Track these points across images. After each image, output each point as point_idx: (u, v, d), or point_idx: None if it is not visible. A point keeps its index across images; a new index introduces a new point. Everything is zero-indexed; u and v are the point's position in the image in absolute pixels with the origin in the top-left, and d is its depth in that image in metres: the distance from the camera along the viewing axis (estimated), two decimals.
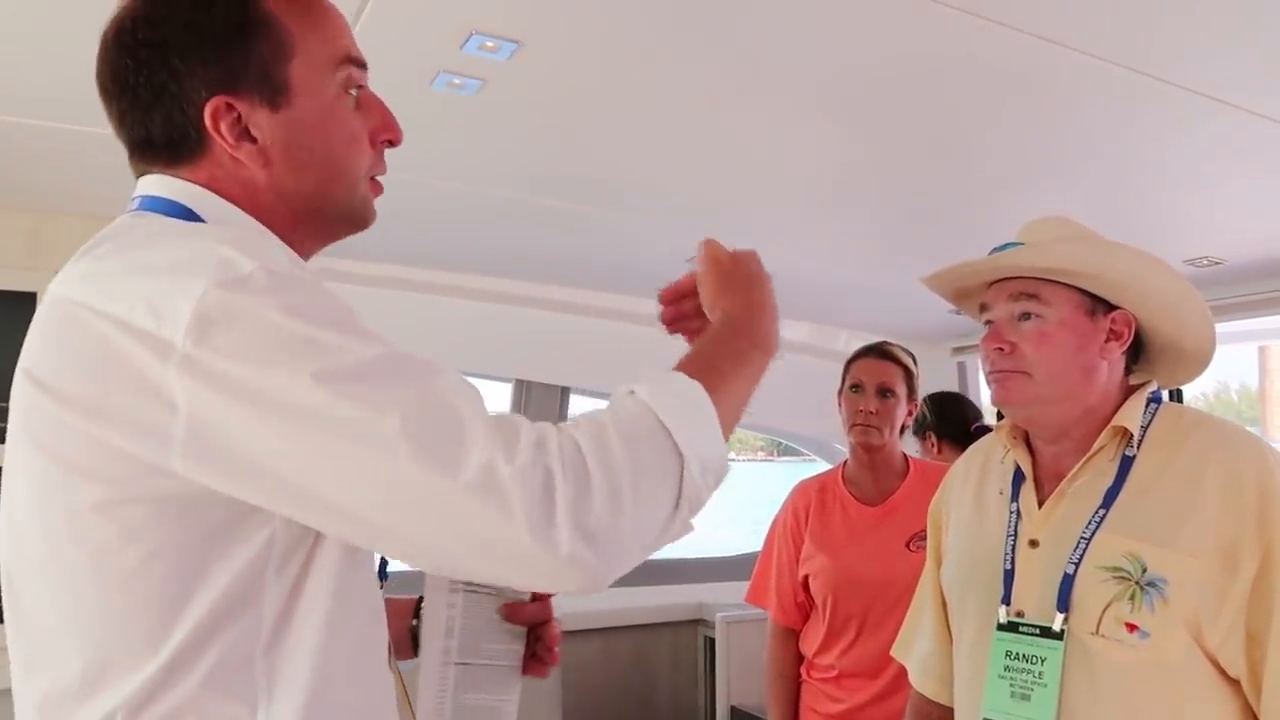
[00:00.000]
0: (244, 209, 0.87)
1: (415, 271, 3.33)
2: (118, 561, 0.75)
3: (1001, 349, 1.33)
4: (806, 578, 2.32)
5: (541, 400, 3.94)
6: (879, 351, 2.36)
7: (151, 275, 0.75)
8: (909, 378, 2.34)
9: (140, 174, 0.90)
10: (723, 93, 1.86)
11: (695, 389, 0.81)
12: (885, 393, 2.29)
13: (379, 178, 0.96)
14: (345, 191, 0.91)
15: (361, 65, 0.92)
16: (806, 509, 2.38)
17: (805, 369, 4.25)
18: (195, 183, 0.87)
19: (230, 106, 0.84)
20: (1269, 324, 3.42)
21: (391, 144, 0.95)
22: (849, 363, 2.39)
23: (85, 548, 0.76)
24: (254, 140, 0.86)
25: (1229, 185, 2.29)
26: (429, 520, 0.71)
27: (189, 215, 0.85)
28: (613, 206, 2.64)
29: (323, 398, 0.70)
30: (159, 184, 0.88)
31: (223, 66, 0.84)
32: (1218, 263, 2.88)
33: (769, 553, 2.46)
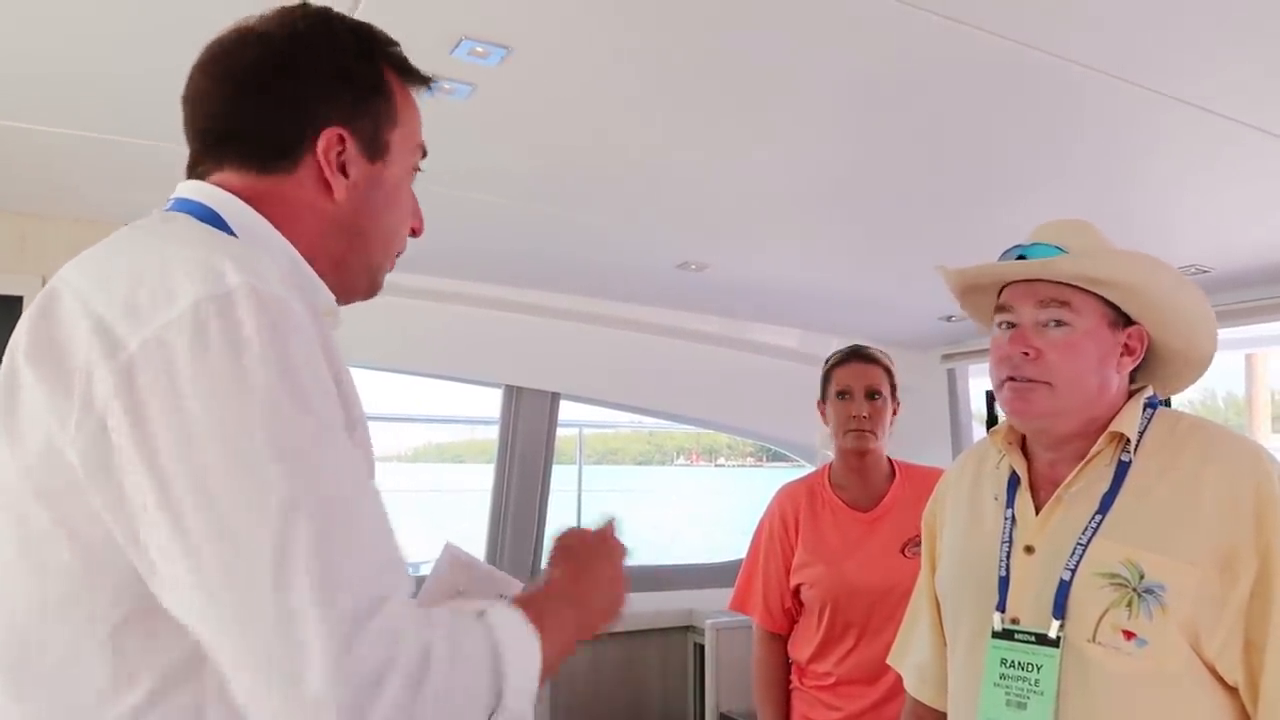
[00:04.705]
0: (301, 229, 0.92)
1: (404, 277, 3.30)
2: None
3: (1027, 354, 1.30)
4: (798, 586, 2.28)
5: (532, 406, 3.93)
6: (860, 355, 2.34)
7: (140, 272, 0.76)
8: (890, 378, 2.33)
9: (199, 168, 0.94)
10: (713, 100, 1.85)
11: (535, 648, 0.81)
12: (873, 394, 2.27)
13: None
14: (380, 255, 1.01)
15: (424, 157, 1.04)
16: (795, 514, 2.33)
17: (796, 376, 4.25)
18: (250, 191, 0.90)
19: (342, 140, 0.93)
20: (1256, 332, 3.44)
21: (415, 234, 1.05)
22: (829, 370, 2.35)
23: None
24: (347, 175, 0.94)
25: (1216, 193, 2.30)
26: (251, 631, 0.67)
27: (217, 221, 0.88)
28: (602, 212, 2.63)
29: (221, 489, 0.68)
30: (194, 189, 0.91)
31: (350, 107, 0.94)
32: (1205, 270, 2.89)
33: (754, 559, 2.39)
